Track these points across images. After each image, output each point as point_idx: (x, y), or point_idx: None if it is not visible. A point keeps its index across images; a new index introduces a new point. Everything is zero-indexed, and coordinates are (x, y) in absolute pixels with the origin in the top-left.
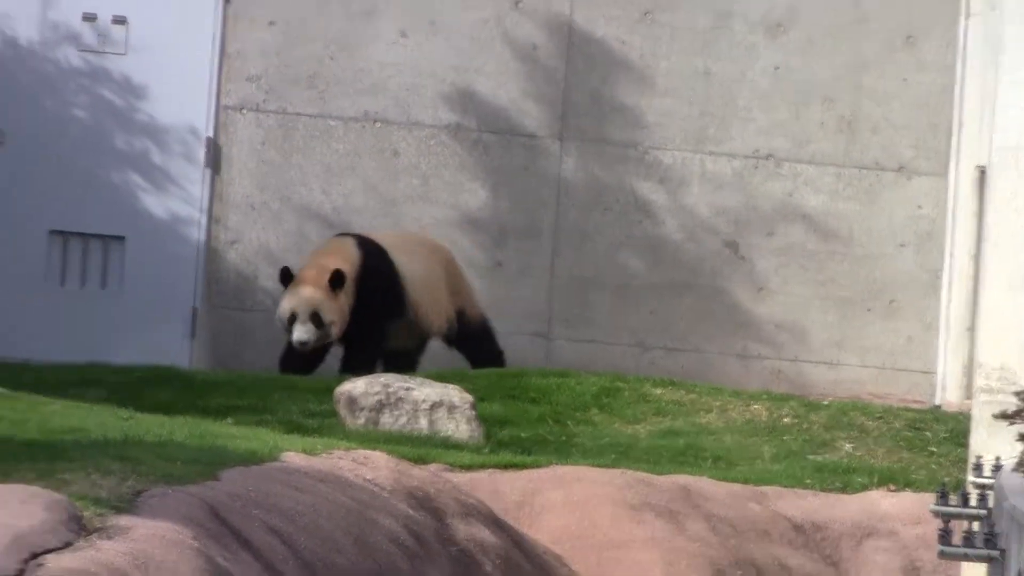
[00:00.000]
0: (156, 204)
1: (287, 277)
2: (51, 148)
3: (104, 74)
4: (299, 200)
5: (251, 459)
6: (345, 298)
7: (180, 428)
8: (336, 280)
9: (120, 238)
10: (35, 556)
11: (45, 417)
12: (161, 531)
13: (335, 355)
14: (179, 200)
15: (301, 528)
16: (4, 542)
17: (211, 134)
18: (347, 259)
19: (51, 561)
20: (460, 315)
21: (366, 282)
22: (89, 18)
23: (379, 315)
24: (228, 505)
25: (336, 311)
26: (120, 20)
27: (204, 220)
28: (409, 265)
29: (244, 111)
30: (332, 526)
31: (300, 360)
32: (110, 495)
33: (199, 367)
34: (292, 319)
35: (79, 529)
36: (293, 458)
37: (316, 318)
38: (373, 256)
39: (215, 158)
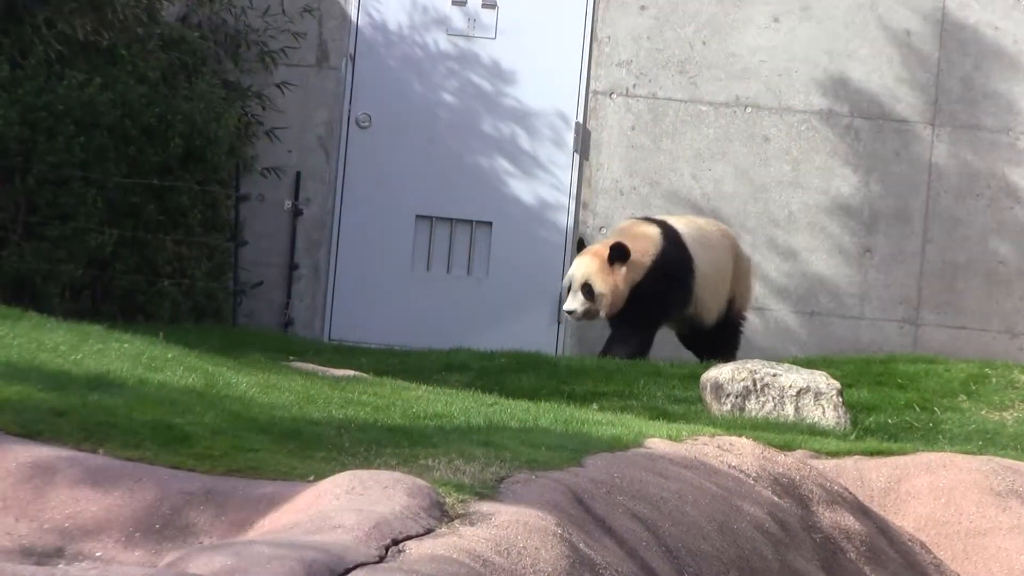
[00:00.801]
0: (524, 189)
1: (580, 248)
2: (419, 132)
3: (473, 58)
4: (668, 185)
5: (615, 445)
6: (627, 275)
7: (545, 414)
8: (615, 254)
9: (487, 223)
10: (396, 542)
11: (409, 402)
12: (524, 517)
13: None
14: (547, 185)
15: (665, 515)
16: (366, 528)
17: (580, 119)
18: (647, 243)
19: (412, 547)
20: (729, 304)
21: (662, 270)
22: (459, 2)
23: (662, 304)
24: (592, 491)
25: (609, 284)
26: (490, 4)
27: (572, 205)
28: (703, 258)
29: (614, 96)
30: (696, 513)
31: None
32: (473, 481)
33: (566, 353)
34: (568, 289)
35: (441, 515)
36: (657, 444)
37: (587, 289)
38: (673, 246)
39: (584, 143)
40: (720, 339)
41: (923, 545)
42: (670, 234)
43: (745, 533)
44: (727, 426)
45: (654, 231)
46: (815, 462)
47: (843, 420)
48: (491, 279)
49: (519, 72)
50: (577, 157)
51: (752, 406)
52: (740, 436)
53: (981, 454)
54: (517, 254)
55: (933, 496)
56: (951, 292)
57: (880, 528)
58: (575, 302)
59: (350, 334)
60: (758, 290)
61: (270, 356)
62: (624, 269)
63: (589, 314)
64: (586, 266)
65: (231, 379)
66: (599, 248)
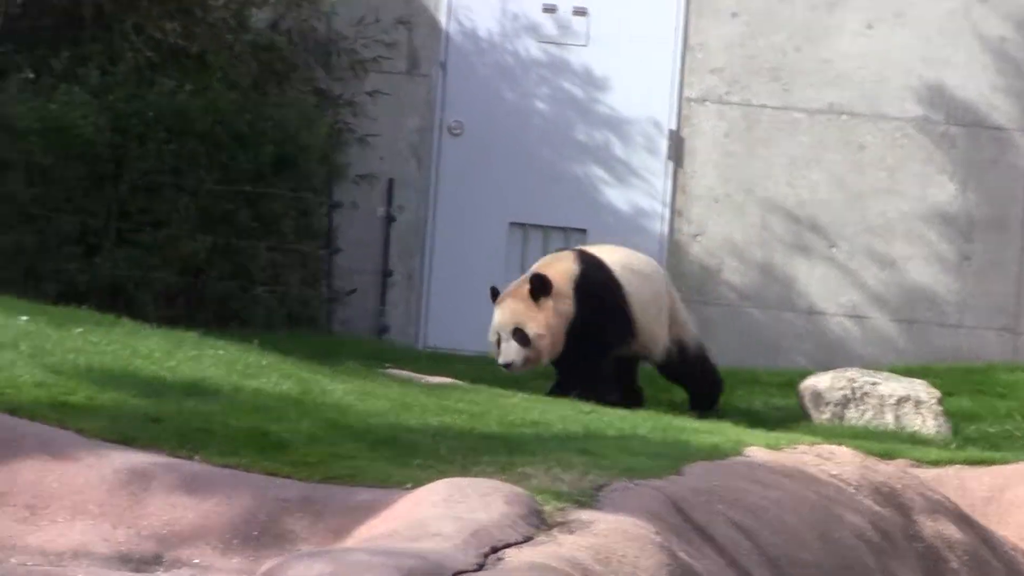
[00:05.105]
0: (618, 197)
1: (493, 298)
2: (511, 139)
3: (564, 65)
4: (763, 193)
5: (714, 453)
6: (555, 307)
7: (643, 422)
8: (536, 286)
9: (581, 231)
10: (495, 550)
11: (505, 410)
12: (623, 525)
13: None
14: (641, 193)
15: (765, 523)
16: (464, 535)
17: (674, 126)
18: (562, 271)
19: (511, 555)
20: (680, 344)
21: (585, 295)
22: (549, 9)
23: (602, 333)
24: (691, 500)
25: (542, 323)
26: (581, 12)
27: (667, 213)
28: (635, 284)
29: (707, 103)
30: (797, 522)
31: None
32: (571, 489)
33: None
34: (497, 341)
35: (539, 523)
36: (756, 452)
37: (520, 334)
38: (593, 268)
39: (677, 150)
40: (699, 379)
41: None
42: (587, 259)
43: (846, 542)
44: (826, 435)
45: (568, 257)
46: (916, 471)
47: (944, 429)
48: None
49: (611, 79)
50: (671, 164)
51: (852, 415)
52: (840, 445)
53: None
54: None
55: None
56: None
57: (983, 538)
58: (510, 352)
59: (445, 341)
60: (856, 298)
61: (365, 363)
62: (551, 302)
63: (529, 362)
64: (510, 309)
65: (326, 386)
66: (515, 289)
